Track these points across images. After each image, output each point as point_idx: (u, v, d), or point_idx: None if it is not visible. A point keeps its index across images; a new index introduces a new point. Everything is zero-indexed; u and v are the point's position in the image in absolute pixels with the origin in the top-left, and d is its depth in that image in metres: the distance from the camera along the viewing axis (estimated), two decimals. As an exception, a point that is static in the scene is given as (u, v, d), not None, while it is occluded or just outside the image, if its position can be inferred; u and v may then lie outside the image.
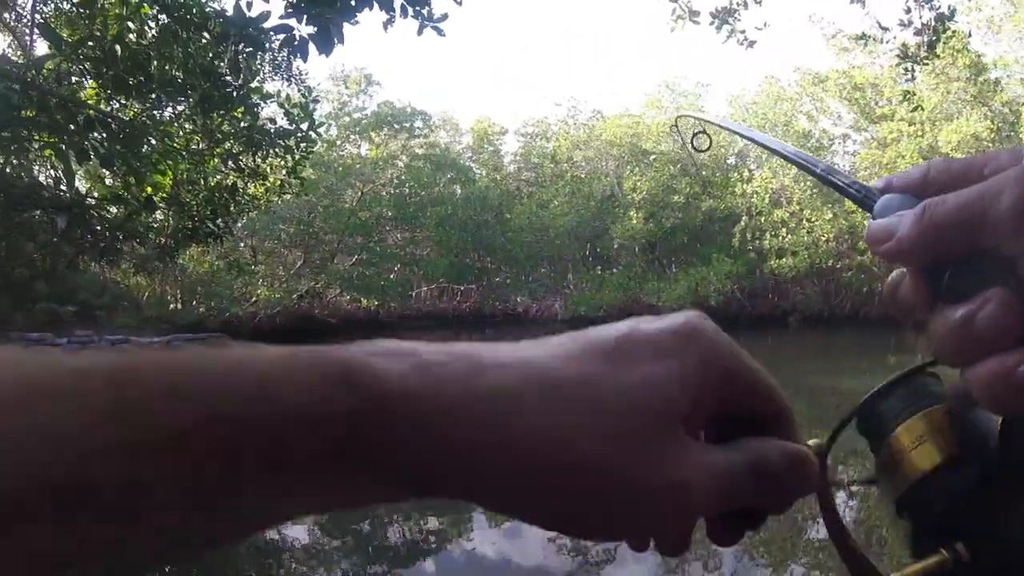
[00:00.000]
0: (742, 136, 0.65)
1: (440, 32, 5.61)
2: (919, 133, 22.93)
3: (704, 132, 0.88)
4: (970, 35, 22.16)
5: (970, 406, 0.49)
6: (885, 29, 7.83)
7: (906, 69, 7.77)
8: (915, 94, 9.67)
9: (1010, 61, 23.30)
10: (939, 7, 7.14)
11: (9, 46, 11.40)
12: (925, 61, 7.39)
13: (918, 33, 7.29)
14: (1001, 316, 0.33)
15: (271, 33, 5.65)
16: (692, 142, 0.88)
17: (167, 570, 6.16)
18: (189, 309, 22.40)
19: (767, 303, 27.76)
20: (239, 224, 18.50)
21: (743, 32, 7.58)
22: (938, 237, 0.36)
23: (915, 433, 0.49)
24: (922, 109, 21.14)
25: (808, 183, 24.31)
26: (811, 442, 0.45)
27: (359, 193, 28.55)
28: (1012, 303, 0.33)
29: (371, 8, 5.42)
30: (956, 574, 0.44)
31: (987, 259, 0.34)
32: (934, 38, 7.19)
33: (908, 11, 7.27)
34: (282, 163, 8.98)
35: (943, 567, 0.44)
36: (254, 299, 24.26)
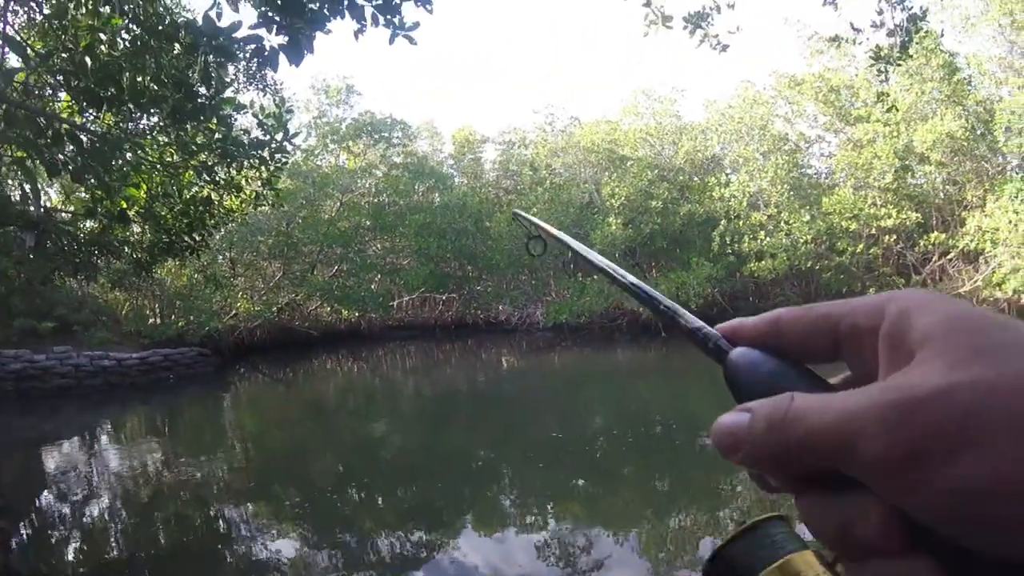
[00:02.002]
0: (572, 250, 0.67)
1: (412, 41, 5.56)
2: (894, 134, 23.16)
3: (540, 237, 0.88)
4: (942, 34, 22.43)
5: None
6: (858, 31, 7.89)
7: (879, 71, 7.83)
8: (889, 95, 9.76)
9: (984, 59, 23.59)
10: (911, 7, 7.21)
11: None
12: (898, 62, 7.45)
13: (891, 34, 7.36)
14: (883, 528, 0.30)
15: (241, 44, 5.59)
16: (528, 247, 0.90)
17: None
18: (168, 323, 22.18)
19: (747, 306, 27.90)
20: (217, 237, 18.33)
21: (716, 36, 7.60)
22: (790, 461, 0.32)
23: None
24: (896, 110, 21.37)
25: (785, 186, 24.46)
26: None
27: (338, 203, 28.44)
28: (891, 517, 0.30)
29: (342, 17, 5.38)
30: None
31: None
32: (906, 39, 7.26)
33: (880, 12, 7.34)
34: (257, 174, 8.87)
35: None
36: (234, 312, 24.06)
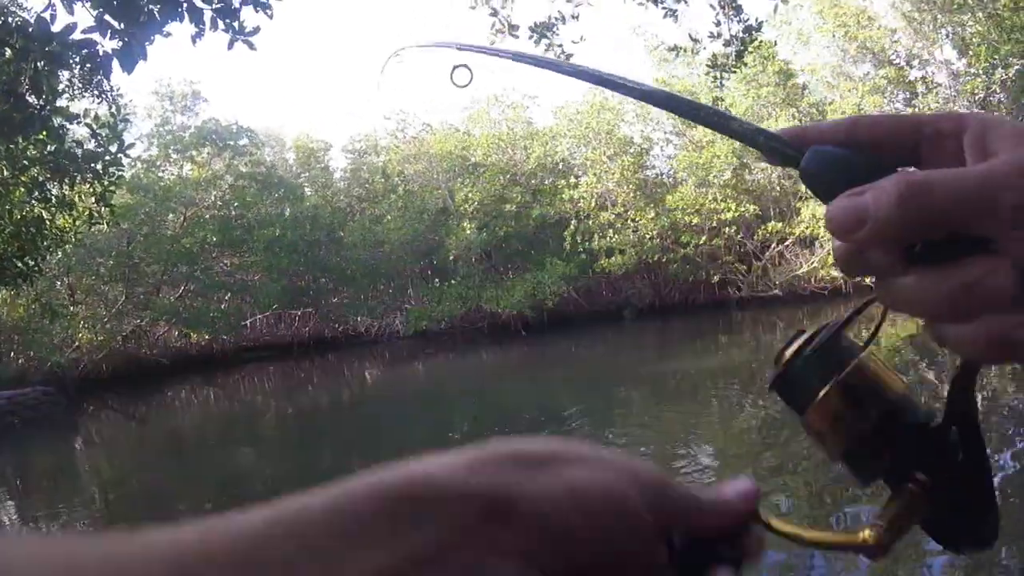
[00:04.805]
0: (530, 62, 0.56)
1: (251, 46, 5.42)
2: (732, 135, 24.96)
3: (466, 66, 0.74)
4: (776, 44, 24.45)
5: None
6: (696, 41, 8.44)
7: (715, 78, 8.43)
8: (723, 100, 10.49)
9: (818, 67, 25.93)
10: (748, 19, 7.81)
11: None
12: (734, 69, 8.05)
13: (727, 44, 7.93)
14: (1006, 282, 0.33)
15: (74, 48, 5.21)
16: (452, 77, 0.75)
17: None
18: (7, 361, 20.15)
19: (602, 300, 29.03)
20: (52, 261, 16.89)
21: (560, 46, 7.87)
22: (926, 224, 0.34)
23: (829, 409, 0.43)
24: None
25: (631, 186, 25.62)
26: None
27: (181, 218, 26.87)
28: (1013, 272, 0.33)
29: (180, 21, 5.14)
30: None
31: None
32: (742, 48, 7.85)
33: (718, 24, 7.89)
34: (91, 190, 8.27)
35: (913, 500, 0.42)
36: (76, 344, 22.21)
